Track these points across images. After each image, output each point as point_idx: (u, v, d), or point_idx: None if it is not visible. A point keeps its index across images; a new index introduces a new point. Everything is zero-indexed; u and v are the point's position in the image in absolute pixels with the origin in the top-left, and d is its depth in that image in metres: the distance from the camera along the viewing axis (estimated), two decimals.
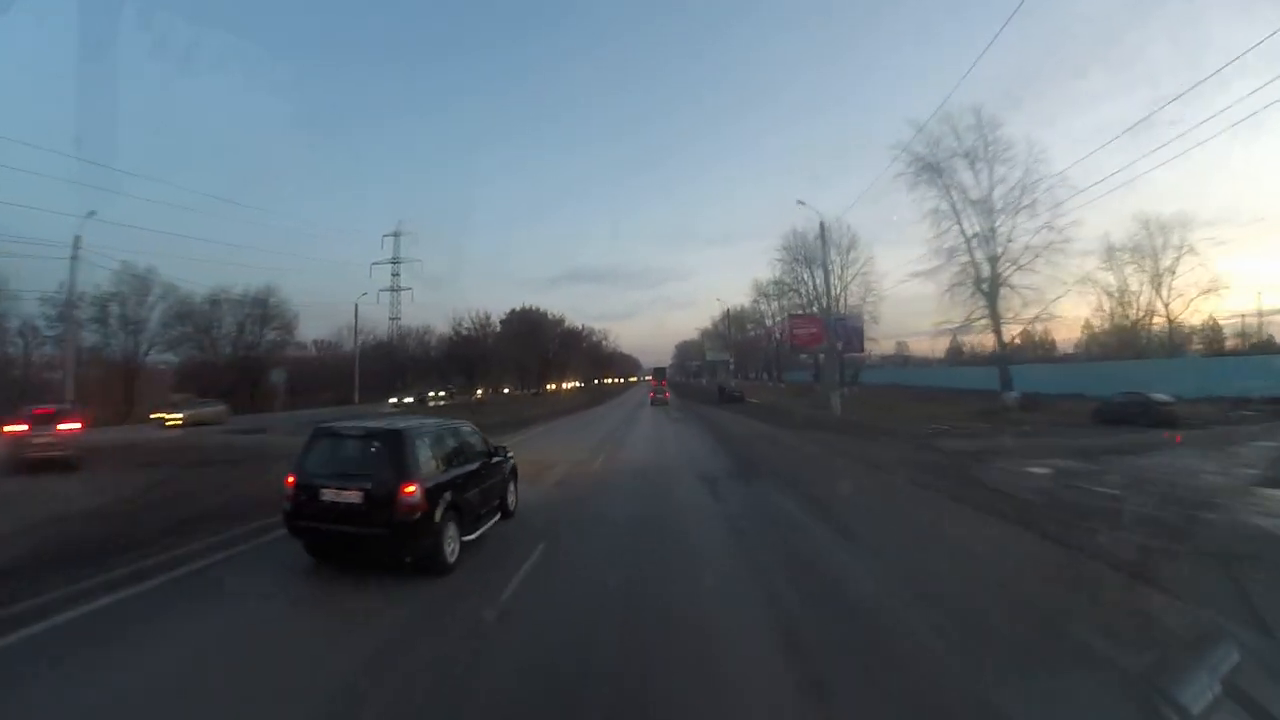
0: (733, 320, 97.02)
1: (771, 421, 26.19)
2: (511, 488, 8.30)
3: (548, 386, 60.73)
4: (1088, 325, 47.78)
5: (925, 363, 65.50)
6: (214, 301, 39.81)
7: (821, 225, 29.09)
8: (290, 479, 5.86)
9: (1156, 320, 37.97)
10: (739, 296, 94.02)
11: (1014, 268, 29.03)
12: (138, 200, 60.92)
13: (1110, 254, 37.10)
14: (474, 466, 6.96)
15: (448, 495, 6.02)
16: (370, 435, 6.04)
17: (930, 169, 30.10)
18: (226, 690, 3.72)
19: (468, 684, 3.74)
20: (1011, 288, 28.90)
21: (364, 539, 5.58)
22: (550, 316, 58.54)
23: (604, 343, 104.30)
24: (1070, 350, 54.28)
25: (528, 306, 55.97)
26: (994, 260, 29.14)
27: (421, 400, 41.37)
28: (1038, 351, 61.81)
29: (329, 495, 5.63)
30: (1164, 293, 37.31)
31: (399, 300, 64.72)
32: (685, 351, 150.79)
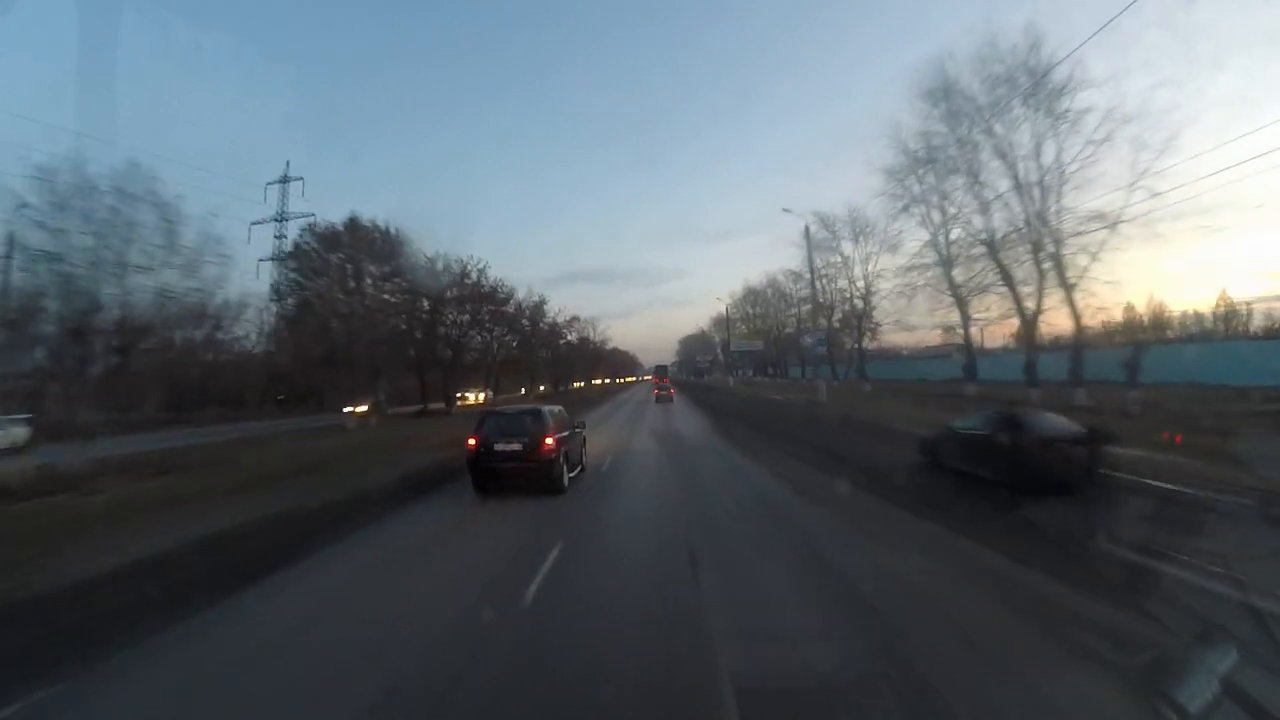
0: (758, 298, 69.65)
1: None
2: (584, 450, 12.39)
3: (460, 397, 33.47)
4: None
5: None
6: None
7: None
8: (473, 440, 9.74)
9: None
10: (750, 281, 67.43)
11: None
12: None
13: None
14: (568, 432, 10.83)
15: (563, 446, 9.96)
16: (523, 412, 10.31)
17: None
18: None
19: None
20: None
21: (520, 471, 9.58)
22: (453, 266, 31.11)
23: (590, 333, 76.97)
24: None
25: (372, 223, 25.00)
26: None
27: None
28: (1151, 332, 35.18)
29: (499, 446, 9.60)
30: None
31: (284, 273, 36.70)
32: (690, 347, 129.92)
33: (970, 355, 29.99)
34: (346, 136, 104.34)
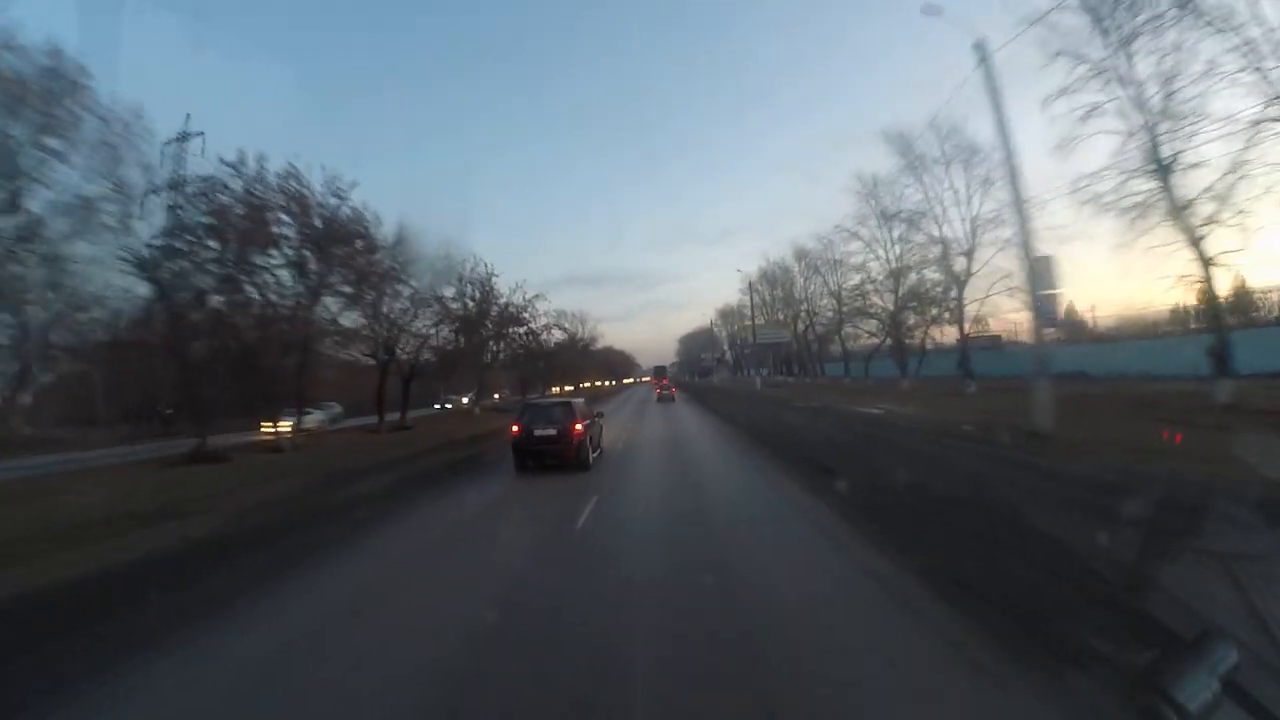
0: (779, 279, 55.85)
1: None
2: (602, 435, 14.71)
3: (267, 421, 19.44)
4: None
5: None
6: None
7: None
8: (516, 426, 12.23)
9: None
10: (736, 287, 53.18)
11: None
12: None
13: None
14: (591, 420, 13.16)
15: (589, 432, 12.40)
16: (555, 404, 12.65)
17: None
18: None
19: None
20: None
21: (554, 451, 11.72)
22: (289, 188, 16.25)
23: (579, 329, 63.32)
24: None
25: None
26: None
27: None
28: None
29: (538, 431, 11.92)
30: None
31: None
32: (691, 345, 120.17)
33: (1222, 333, 16.85)
34: (348, 140, 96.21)
